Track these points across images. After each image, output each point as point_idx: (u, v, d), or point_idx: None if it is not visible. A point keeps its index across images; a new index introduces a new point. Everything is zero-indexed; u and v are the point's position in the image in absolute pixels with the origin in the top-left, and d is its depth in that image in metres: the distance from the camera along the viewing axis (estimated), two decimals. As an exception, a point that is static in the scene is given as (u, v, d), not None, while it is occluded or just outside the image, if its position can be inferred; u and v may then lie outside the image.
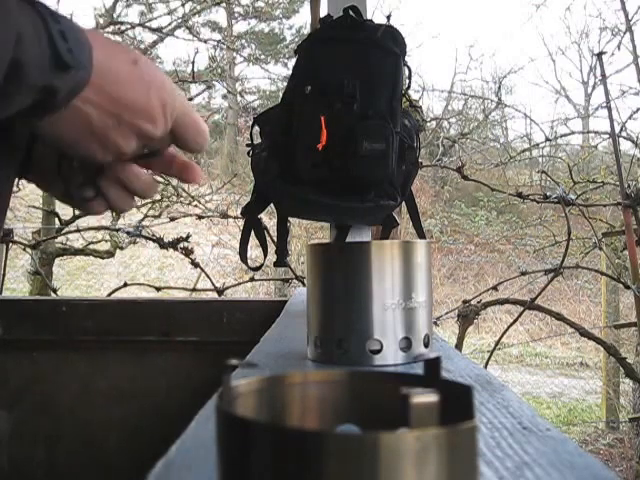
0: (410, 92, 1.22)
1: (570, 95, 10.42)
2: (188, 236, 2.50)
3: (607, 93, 2.81)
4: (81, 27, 0.51)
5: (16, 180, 0.68)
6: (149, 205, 4.06)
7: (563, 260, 2.37)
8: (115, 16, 6.62)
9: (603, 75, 2.87)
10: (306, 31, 9.40)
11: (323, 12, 1.72)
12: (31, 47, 0.46)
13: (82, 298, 1.56)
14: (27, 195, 4.56)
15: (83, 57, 0.50)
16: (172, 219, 3.39)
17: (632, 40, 4.48)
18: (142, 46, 6.64)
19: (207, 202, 4.17)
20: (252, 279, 2.73)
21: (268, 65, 10.90)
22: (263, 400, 0.35)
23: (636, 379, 2.70)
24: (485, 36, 19.36)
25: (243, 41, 10.71)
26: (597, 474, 0.41)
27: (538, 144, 6.85)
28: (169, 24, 6.31)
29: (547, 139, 6.63)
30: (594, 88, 9.48)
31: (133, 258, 8.45)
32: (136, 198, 0.68)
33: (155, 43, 7.02)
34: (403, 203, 1.13)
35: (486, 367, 2.34)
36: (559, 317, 2.41)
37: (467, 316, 2.31)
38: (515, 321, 2.53)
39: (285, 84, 1.20)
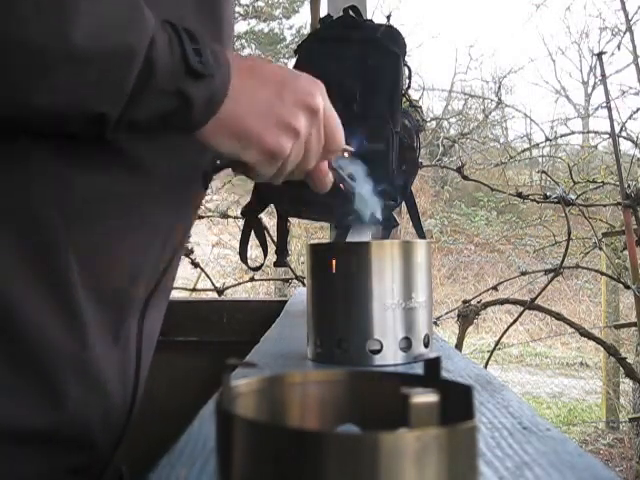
0: (410, 92, 1.22)
1: (570, 95, 10.38)
2: (188, 236, 2.49)
3: (607, 93, 2.81)
4: (222, 50, 0.56)
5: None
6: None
7: (563, 260, 2.37)
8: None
9: (603, 75, 2.87)
10: (306, 31, 9.39)
11: (323, 12, 1.72)
12: (163, 54, 0.51)
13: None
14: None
15: (218, 69, 0.54)
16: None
17: (632, 40, 4.48)
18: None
19: (207, 202, 4.17)
20: (252, 279, 2.72)
21: (268, 65, 10.90)
22: (263, 400, 0.35)
23: (636, 379, 2.70)
24: (485, 36, 19.31)
25: (243, 41, 10.70)
26: (597, 474, 0.41)
27: (538, 144, 6.85)
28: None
29: (547, 139, 6.64)
30: (594, 88, 9.46)
31: (133, 258, 8.42)
32: None
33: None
34: (403, 203, 1.13)
35: (486, 367, 2.34)
36: (559, 317, 2.41)
37: (467, 316, 2.31)
38: (515, 321, 2.53)
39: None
